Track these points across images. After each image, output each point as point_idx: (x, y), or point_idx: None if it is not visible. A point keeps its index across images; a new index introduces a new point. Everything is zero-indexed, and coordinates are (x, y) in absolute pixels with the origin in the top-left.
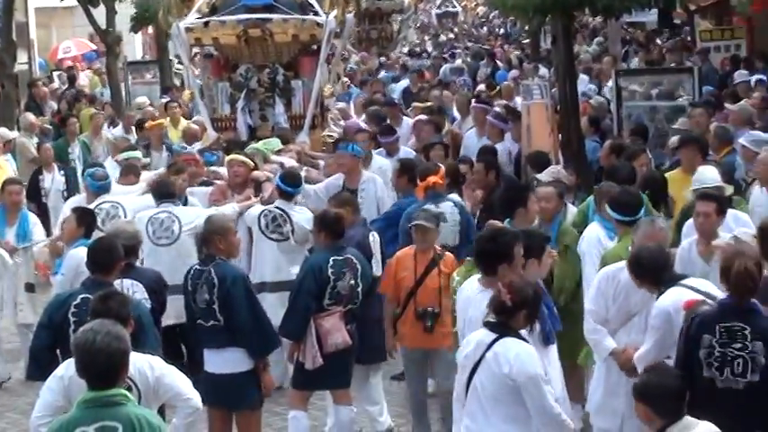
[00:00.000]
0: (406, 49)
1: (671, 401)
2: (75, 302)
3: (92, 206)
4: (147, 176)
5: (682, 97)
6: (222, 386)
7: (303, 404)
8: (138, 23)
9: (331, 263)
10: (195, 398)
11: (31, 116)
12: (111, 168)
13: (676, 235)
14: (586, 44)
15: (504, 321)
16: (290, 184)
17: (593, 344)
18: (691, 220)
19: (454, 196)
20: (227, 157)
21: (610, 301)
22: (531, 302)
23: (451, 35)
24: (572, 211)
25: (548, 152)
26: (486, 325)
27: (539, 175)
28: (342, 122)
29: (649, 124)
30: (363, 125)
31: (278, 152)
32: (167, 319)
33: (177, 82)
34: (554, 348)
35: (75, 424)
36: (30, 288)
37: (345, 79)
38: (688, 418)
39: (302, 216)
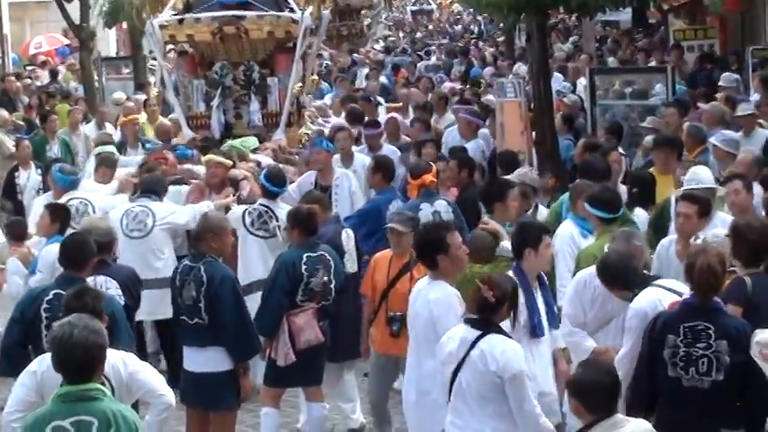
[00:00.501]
0: (378, 46)
1: (602, 398)
2: (47, 298)
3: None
4: (119, 174)
5: (655, 96)
6: (201, 385)
7: (275, 401)
8: (111, 19)
9: (304, 259)
10: (168, 394)
11: (3, 112)
12: (92, 166)
13: (652, 233)
14: (560, 42)
15: (487, 318)
16: (275, 184)
17: (573, 346)
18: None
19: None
20: (204, 158)
21: (587, 305)
22: (512, 295)
23: (426, 32)
24: (542, 212)
25: (520, 150)
26: (468, 322)
27: (508, 176)
28: (320, 120)
29: (623, 123)
30: (345, 123)
31: (254, 150)
32: (139, 315)
33: (152, 78)
34: (544, 341)
35: (51, 418)
36: None
37: (314, 77)
38: (618, 416)
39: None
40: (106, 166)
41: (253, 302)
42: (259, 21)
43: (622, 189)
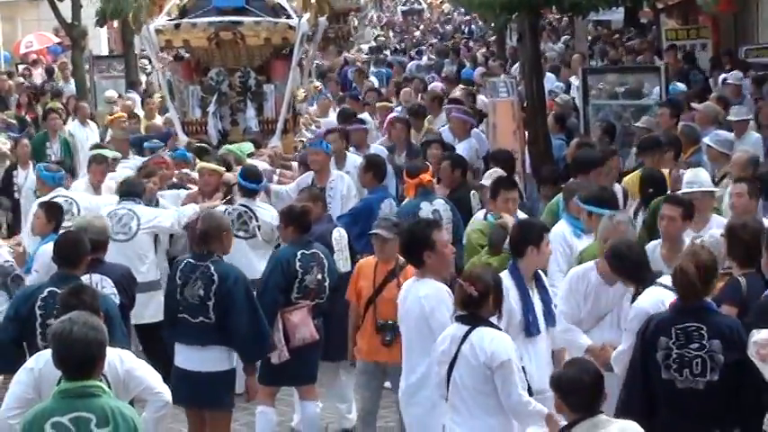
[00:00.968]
0: (365, 47)
1: (585, 397)
2: (42, 296)
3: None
4: (116, 176)
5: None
6: (196, 384)
7: (270, 399)
8: (103, 18)
9: (299, 256)
10: (165, 392)
11: None
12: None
13: (645, 234)
14: (552, 42)
15: (473, 312)
16: (251, 180)
17: (568, 343)
18: None
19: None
20: (198, 166)
21: (581, 300)
22: (494, 287)
23: (417, 32)
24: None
25: (513, 150)
26: (458, 319)
27: (482, 181)
28: (312, 127)
29: (616, 123)
30: (336, 124)
31: (250, 156)
32: None
33: (143, 77)
34: (541, 339)
35: (50, 414)
36: None
37: (317, 83)
38: (602, 417)
39: (267, 213)
40: (97, 163)
41: None
42: (256, 27)
43: (617, 188)
